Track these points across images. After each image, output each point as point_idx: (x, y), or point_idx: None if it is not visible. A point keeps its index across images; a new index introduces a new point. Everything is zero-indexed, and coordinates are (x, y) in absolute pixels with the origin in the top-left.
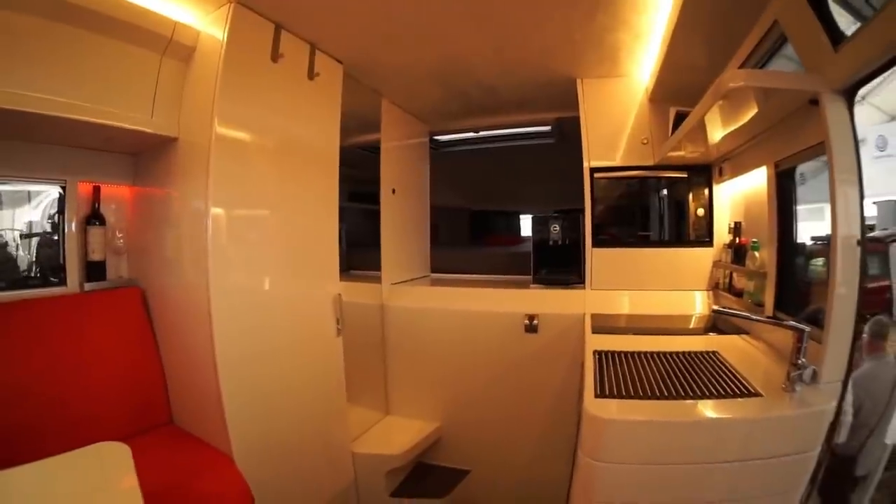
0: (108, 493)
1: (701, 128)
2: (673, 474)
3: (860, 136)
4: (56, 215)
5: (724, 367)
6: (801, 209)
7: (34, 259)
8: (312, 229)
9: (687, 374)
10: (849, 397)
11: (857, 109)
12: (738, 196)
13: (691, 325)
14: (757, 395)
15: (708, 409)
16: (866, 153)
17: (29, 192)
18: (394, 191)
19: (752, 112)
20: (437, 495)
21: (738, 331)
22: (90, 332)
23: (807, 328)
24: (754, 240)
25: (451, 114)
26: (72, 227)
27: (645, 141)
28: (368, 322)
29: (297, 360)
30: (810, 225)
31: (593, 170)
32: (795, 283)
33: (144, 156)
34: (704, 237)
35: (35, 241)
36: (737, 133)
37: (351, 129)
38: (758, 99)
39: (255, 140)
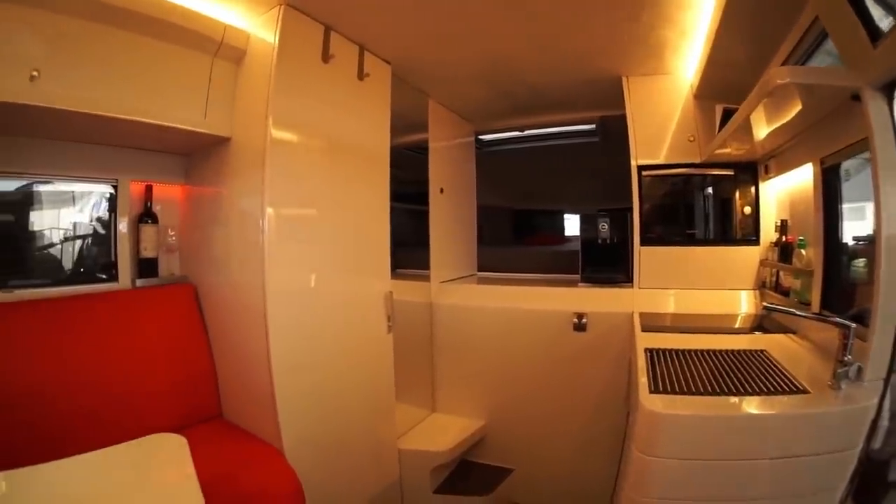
0: (166, 483)
1: (746, 125)
2: (724, 469)
3: None
4: (108, 213)
5: (771, 365)
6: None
7: (83, 257)
8: (364, 228)
9: (736, 372)
10: (886, 402)
11: None
12: (783, 193)
13: (737, 325)
14: (804, 391)
15: (758, 406)
16: None
17: (73, 193)
18: (442, 190)
19: (797, 109)
20: (480, 493)
21: (785, 330)
22: (142, 327)
23: (853, 325)
24: (801, 238)
25: (496, 113)
26: (124, 224)
27: (691, 138)
28: (417, 320)
29: (347, 357)
30: (852, 225)
31: (641, 167)
32: (841, 282)
33: (196, 156)
34: (751, 235)
35: (83, 239)
36: (781, 130)
37: (396, 129)
38: (801, 95)
39: (308, 140)
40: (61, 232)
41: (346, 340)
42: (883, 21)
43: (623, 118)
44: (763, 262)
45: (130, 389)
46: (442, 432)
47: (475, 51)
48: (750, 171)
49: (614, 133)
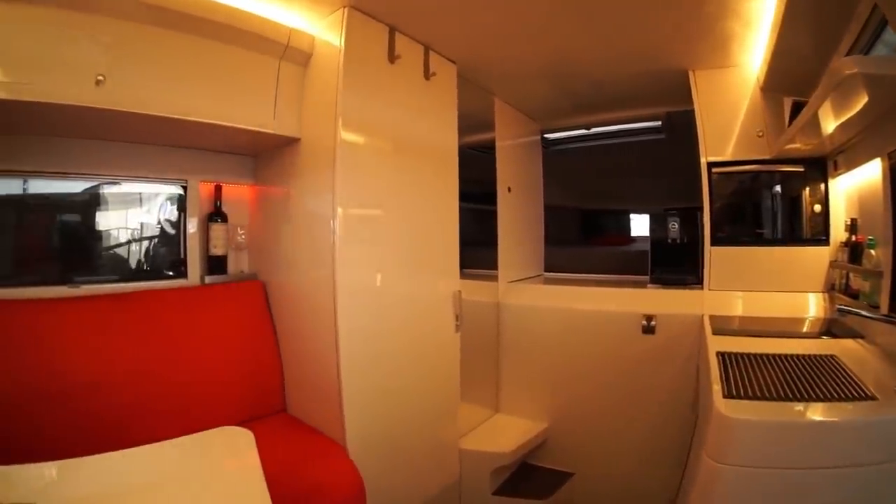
0: (231, 475)
1: (815, 119)
2: (795, 478)
3: None
4: (178, 213)
5: (842, 371)
6: None
7: (151, 255)
8: (433, 227)
9: (807, 377)
10: None
11: None
12: (853, 190)
13: (805, 329)
14: (873, 398)
15: (837, 412)
16: None
17: (142, 194)
18: (510, 189)
19: (863, 101)
20: (539, 497)
21: (854, 335)
22: (210, 322)
23: None
24: (870, 237)
25: (561, 111)
26: (193, 224)
27: (760, 133)
28: (483, 319)
29: (414, 356)
30: None
31: (711, 164)
32: None
33: (264, 156)
34: (820, 235)
35: (151, 238)
36: (849, 123)
37: (461, 129)
38: (867, 87)
39: (377, 140)
40: (130, 231)
41: (413, 339)
42: None
43: (689, 113)
44: (832, 264)
45: (198, 382)
46: (504, 433)
47: (540, 48)
48: (819, 168)
49: (681, 129)
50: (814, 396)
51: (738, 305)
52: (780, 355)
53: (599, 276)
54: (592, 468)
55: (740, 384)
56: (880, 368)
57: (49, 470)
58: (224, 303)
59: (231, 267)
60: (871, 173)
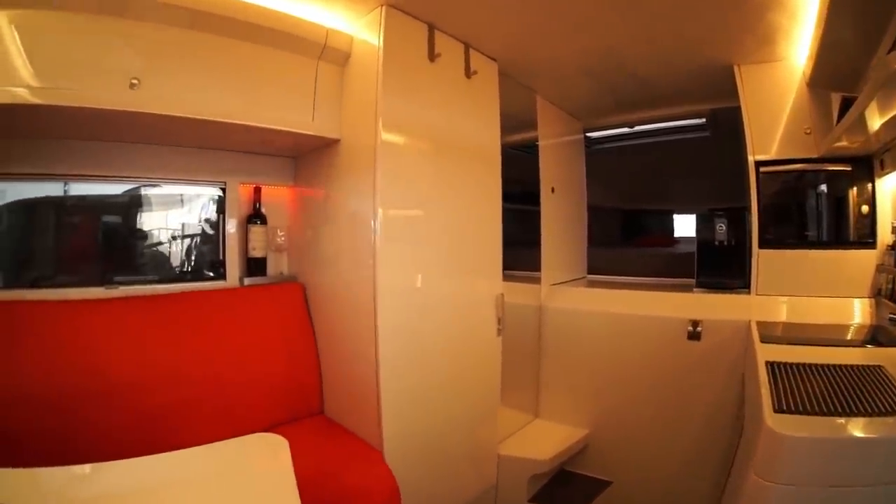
0: (265, 482)
1: (861, 116)
2: (852, 498)
3: None
4: (217, 215)
5: (891, 383)
6: None
7: (190, 256)
8: (475, 228)
9: (858, 389)
10: None
11: None
12: None
13: (849, 336)
14: None
15: (890, 428)
16: None
17: (182, 196)
18: (553, 189)
19: None
20: None
21: None
22: (249, 323)
23: None
24: None
25: (604, 109)
26: (232, 225)
27: (808, 131)
28: (525, 322)
29: (455, 359)
30: None
31: (758, 163)
32: None
33: (304, 158)
34: (867, 237)
35: (191, 239)
36: (894, 121)
37: (502, 128)
38: None
39: (418, 140)
40: (168, 232)
41: (454, 342)
42: None
43: (734, 110)
44: (879, 268)
45: (236, 384)
46: (544, 439)
47: (582, 44)
48: (866, 166)
49: (725, 126)
50: (864, 410)
51: (784, 311)
52: (828, 365)
53: (644, 278)
54: (631, 478)
55: (790, 397)
56: None
57: (81, 471)
58: (263, 304)
59: (271, 269)
60: None
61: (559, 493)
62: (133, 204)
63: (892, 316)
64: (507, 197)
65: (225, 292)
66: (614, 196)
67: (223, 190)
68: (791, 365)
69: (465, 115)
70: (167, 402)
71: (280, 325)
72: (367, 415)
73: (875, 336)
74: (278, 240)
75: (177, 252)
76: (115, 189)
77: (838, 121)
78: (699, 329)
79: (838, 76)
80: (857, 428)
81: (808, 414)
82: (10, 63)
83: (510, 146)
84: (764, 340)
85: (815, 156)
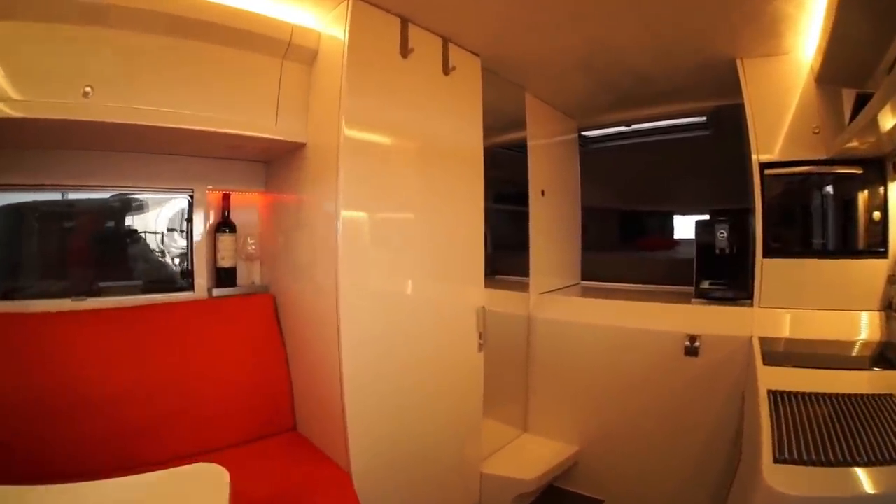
0: None
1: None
2: None
3: None
4: (186, 224)
5: None
6: None
7: (158, 267)
8: (455, 234)
9: (870, 427)
10: None
11: None
12: None
13: (858, 352)
14: None
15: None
16: None
17: (151, 204)
18: (543, 192)
19: None
20: None
21: None
22: (218, 336)
23: None
24: None
25: (599, 107)
26: (200, 234)
27: (816, 130)
28: (513, 333)
29: (432, 376)
30: None
31: (763, 165)
32: None
33: (275, 163)
34: (878, 246)
35: (160, 249)
36: None
37: (493, 128)
38: None
39: (388, 140)
40: (137, 242)
41: (431, 357)
42: None
43: (737, 108)
44: (891, 279)
45: (205, 400)
46: (531, 456)
47: (574, 38)
48: (878, 169)
49: (727, 124)
50: (873, 456)
51: (789, 325)
52: (835, 395)
53: (640, 286)
54: (624, 497)
55: (792, 439)
56: None
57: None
58: (232, 316)
59: (242, 279)
60: None
61: None
62: (101, 213)
63: None
64: (499, 198)
65: (193, 304)
66: (612, 196)
67: (192, 197)
68: (795, 395)
69: (444, 114)
70: (135, 417)
71: (249, 338)
72: (335, 434)
73: (884, 354)
74: (249, 248)
75: (145, 263)
76: (79, 198)
77: (851, 119)
78: (697, 345)
79: (850, 71)
80: (864, 482)
81: (812, 464)
82: None
83: (502, 146)
84: (767, 362)
85: (823, 157)
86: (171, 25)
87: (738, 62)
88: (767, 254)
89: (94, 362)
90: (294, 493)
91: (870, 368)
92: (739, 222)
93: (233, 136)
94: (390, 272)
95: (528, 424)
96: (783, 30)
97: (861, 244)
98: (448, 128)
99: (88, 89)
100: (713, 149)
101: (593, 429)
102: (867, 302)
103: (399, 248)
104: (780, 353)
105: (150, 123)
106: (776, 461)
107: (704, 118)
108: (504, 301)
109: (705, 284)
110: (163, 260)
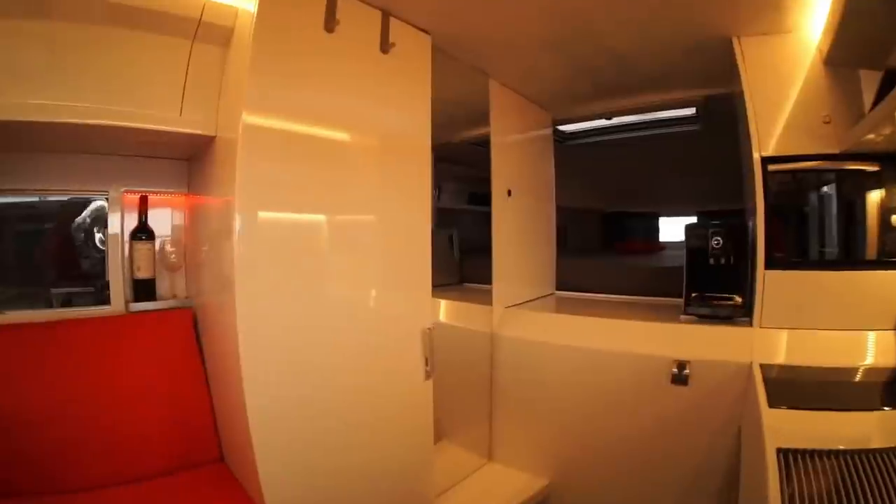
0: None
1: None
2: None
3: None
4: (100, 230)
5: None
6: None
7: (73, 278)
8: (394, 241)
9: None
10: None
11: None
12: None
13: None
14: None
15: None
16: None
17: (64, 208)
18: (510, 192)
19: None
20: None
21: None
22: (132, 356)
23: None
24: None
25: (576, 96)
26: (115, 242)
27: (827, 119)
28: (475, 350)
29: (369, 408)
30: None
31: (766, 160)
32: None
33: (196, 161)
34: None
35: (75, 259)
36: None
37: (463, 120)
38: None
39: (306, 130)
40: (49, 251)
41: (366, 387)
42: None
43: (730, 99)
44: None
45: (121, 424)
46: (495, 490)
47: (545, 12)
48: (892, 166)
49: (719, 118)
50: None
51: (794, 349)
52: (852, 452)
53: (623, 297)
54: None
55: None
56: None
57: None
58: (149, 334)
59: (164, 291)
60: None
61: None
62: (4, 219)
63: None
64: (473, 199)
65: (104, 321)
66: (592, 197)
67: (107, 200)
68: (806, 453)
69: (381, 99)
70: (43, 443)
71: (166, 359)
72: (248, 469)
73: None
74: (169, 257)
75: (58, 273)
76: None
77: (874, 105)
78: (687, 372)
79: (865, 50)
80: None
81: None
82: None
83: (474, 141)
84: (773, 403)
85: (835, 151)
86: (65, 9)
87: (735, 41)
88: (770, 265)
89: None
90: None
91: (886, 406)
92: (735, 227)
93: (130, 131)
94: (308, 288)
95: (493, 452)
96: (786, 3)
97: (875, 252)
98: (387, 116)
99: None
100: (703, 145)
101: (566, 461)
102: (881, 320)
103: (320, 259)
104: (786, 386)
105: (29, 119)
106: None
107: (693, 111)
108: (464, 315)
109: (696, 301)
110: (76, 271)
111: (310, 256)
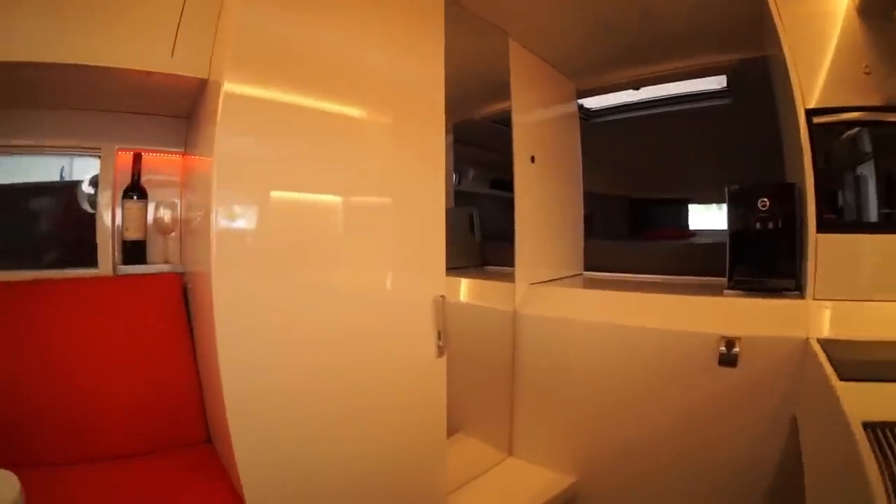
0: None
1: None
2: None
3: None
4: (92, 188)
5: None
6: None
7: (61, 239)
8: (400, 205)
9: None
10: None
11: None
12: None
13: None
14: None
15: None
16: None
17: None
18: (533, 159)
19: None
20: None
21: None
22: (115, 322)
23: None
24: None
25: (601, 62)
26: (105, 200)
27: (867, 70)
28: (496, 331)
29: (367, 392)
30: None
31: (810, 113)
32: None
33: (194, 118)
34: None
35: (63, 218)
36: None
37: (481, 93)
38: None
39: (301, 76)
40: (36, 210)
41: (366, 368)
42: None
43: (762, 64)
44: None
45: (91, 398)
46: (515, 489)
47: None
48: None
49: (751, 89)
50: None
51: (853, 322)
52: None
53: (658, 276)
54: None
55: None
56: None
57: None
58: (133, 297)
59: (156, 256)
60: None
61: None
62: None
63: None
64: (496, 184)
65: (85, 281)
66: (619, 182)
67: (99, 158)
68: None
69: (388, 47)
70: (7, 408)
71: (150, 326)
72: (228, 456)
73: None
74: (163, 220)
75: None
76: None
77: None
78: (736, 351)
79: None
80: None
81: None
82: None
83: (495, 119)
84: (842, 375)
85: (876, 103)
86: None
87: None
88: (822, 227)
89: None
90: None
91: None
92: (782, 187)
93: (117, 73)
94: (297, 254)
95: (514, 446)
96: None
97: None
98: (390, 66)
99: None
100: (735, 122)
101: (596, 456)
102: None
103: (311, 220)
104: (850, 362)
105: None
106: None
107: (724, 82)
108: (484, 293)
109: (741, 272)
110: (65, 231)
111: (297, 221)
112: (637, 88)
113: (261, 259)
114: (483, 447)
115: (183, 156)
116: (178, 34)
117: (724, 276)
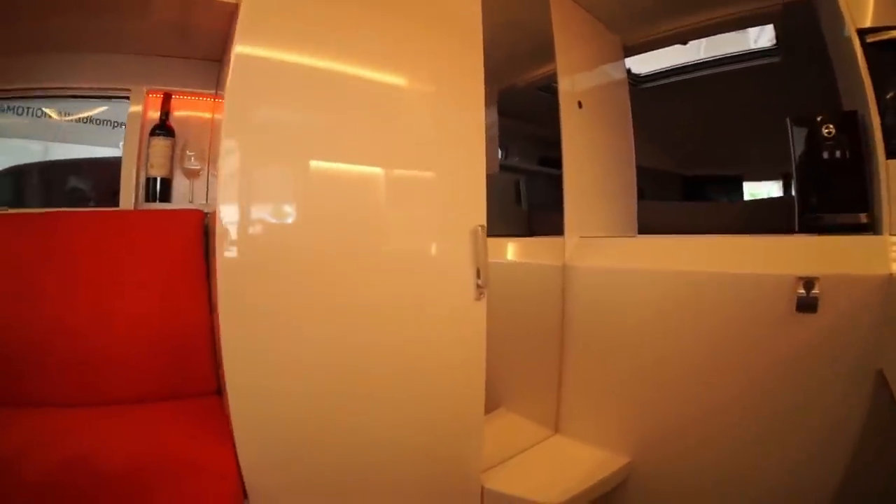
0: None
1: None
2: None
3: None
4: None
5: None
6: None
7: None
8: (441, 119)
9: None
10: None
11: None
12: None
13: None
14: None
15: None
16: None
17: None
18: (580, 104)
19: None
20: None
21: None
22: (130, 256)
23: None
24: None
25: (645, 12)
26: (133, 137)
27: None
28: (542, 292)
29: (392, 343)
30: None
31: (862, 32)
32: None
33: (226, 58)
34: None
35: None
36: None
37: (523, 54)
38: None
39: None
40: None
41: (390, 317)
42: None
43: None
44: None
45: (103, 338)
46: (560, 468)
47: None
48: None
49: (803, 44)
50: None
51: None
52: None
53: (718, 236)
54: None
55: None
56: None
57: None
58: (150, 231)
59: (181, 198)
60: None
61: None
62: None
63: None
64: (544, 162)
65: (101, 213)
66: (670, 159)
67: (127, 99)
68: None
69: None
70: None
71: (164, 267)
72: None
73: None
74: (189, 161)
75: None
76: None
77: None
78: (815, 293)
79: None
80: None
81: None
82: None
83: (539, 86)
84: None
85: None
86: None
87: None
88: (891, 154)
89: None
90: (154, 474)
91: None
92: (845, 115)
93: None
94: (308, 188)
95: (560, 422)
96: None
97: None
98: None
99: None
100: (786, 83)
101: (653, 431)
102: None
103: (324, 149)
104: None
105: None
106: None
107: (774, 39)
108: (531, 249)
109: (813, 209)
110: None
111: (312, 148)
112: (685, 43)
113: (268, 185)
114: (526, 423)
115: (214, 97)
116: None
117: (790, 233)
